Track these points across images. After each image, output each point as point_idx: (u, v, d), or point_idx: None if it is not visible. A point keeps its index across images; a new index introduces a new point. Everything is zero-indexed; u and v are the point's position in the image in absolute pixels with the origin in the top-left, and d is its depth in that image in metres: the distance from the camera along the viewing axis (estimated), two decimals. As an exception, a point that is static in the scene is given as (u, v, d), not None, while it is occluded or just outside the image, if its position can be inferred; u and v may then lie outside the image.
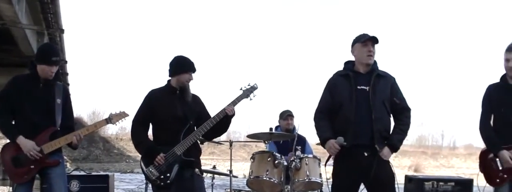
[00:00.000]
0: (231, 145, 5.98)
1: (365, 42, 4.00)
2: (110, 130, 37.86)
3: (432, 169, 33.23)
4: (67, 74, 14.82)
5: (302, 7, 59.03)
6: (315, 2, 60.00)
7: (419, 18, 60.45)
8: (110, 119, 4.20)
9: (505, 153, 4.11)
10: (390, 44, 59.04)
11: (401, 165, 34.16)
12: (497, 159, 4.19)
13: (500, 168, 4.17)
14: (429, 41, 60.85)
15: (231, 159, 5.69)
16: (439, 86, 61.59)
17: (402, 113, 4.09)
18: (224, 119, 4.29)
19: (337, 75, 4.16)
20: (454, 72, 59.72)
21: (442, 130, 45.19)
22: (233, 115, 4.32)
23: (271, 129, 5.19)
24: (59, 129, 4.02)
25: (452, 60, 59.22)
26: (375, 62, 4.10)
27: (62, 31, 10.08)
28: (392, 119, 4.11)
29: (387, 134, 4.01)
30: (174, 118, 4.22)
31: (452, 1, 60.00)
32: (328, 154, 4.09)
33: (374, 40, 4.01)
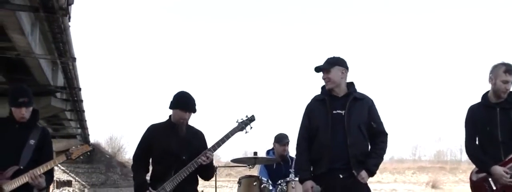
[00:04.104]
0: (215, 170, 6.06)
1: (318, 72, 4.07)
2: (127, 155, 38.17)
3: (450, 184, 32.77)
4: (81, 101, 15.06)
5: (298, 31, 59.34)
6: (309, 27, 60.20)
7: (436, 30, 60.25)
8: (70, 154, 4.03)
9: (498, 168, 4.01)
10: (404, 59, 58.92)
11: (419, 181, 33.76)
12: (490, 179, 4.08)
13: (494, 188, 4.05)
14: (448, 55, 60.57)
15: (216, 184, 5.61)
16: (456, 101, 60.97)
17: (379, 137, 4.04)
18: (203, 167, 4.21)
19: (314, 99, 4.17)
20: (470, 85, 59.13)
21: (461, 145, 44.48)
22: (212, 163, 4.24)
23: (255, 153, 5.17)
24: (22, 167, 3.87)
25: (470, 73, 58.73)
26: (352, 85, 4.10)
27: (74, 59, 10.30)
28: (369, 142, 4.06)
29: (364, 158, 3.96)
30: (168, 153, 4.21)
31: (458, 10, 59.75)
32: None
33: (317, 70, 4.06)
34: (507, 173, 3.99)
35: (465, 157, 42.44)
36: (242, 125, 4.28)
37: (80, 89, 13.60)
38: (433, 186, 30.66)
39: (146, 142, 4.35)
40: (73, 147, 4.13)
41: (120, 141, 38.28)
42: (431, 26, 59.05)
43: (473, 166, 4.39)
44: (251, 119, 4.32)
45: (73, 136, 23.68)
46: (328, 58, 4.09)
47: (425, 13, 59.52)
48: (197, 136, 4.38)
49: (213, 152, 4.20)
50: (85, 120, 19.59)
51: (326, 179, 3.91)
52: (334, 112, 3.98)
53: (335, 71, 4.01)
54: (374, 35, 59.42)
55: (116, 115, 61.16)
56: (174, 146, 4.20)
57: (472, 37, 59.56)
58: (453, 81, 61.30)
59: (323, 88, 4.19)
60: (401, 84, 59.55)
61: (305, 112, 4.17)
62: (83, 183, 30.20)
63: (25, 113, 3.91)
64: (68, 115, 16.98)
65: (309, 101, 4.22)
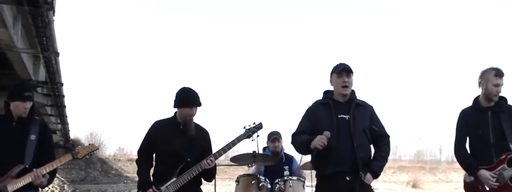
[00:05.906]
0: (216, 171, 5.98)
1: (340, 72, 4.06)
2: (108, 151, 37.85)
3: (430, 184, 33.08)
4: (63, 96, 14.88)
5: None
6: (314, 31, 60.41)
7: (414, 30, 60.84)
8: (76, 153, 4.11)
9: (484, 173, 4.15)
10: (384, 60, 59.41)
11: (400, 181, 34.04)
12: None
13: (487, 189, 4.17)
14: (427, 56, 61.20)
15: (215, 183, 5.53)
16: (436, 100, 61.74)
17: (382, 140, 4.16)
18: (206, 170, 4.17)
19: (317, 103, 4.20)
20: (451, 86, 59.92)
21: (440, 145, 45.29)
22: (215, 166, 4.22)
23: (254, 151, 5.19)
24: (27, 166, 3.91)
25: (450, 74, 59.46)
26: (353, 92, 4.17)
27: (57, 54, 10.17)
28: (372, 146, 4.16)
29: (368, 161, 4.05)
30: (172, 153, 4.16)
31: (444, 16, 60.44)
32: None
33: (348, 71, 4.07)
34: (493, 176, 4.12)
35: (444, 157, 43.23)
36: (249, 133, 4.30)
37: (62, 84, 13.44)
38: (414, 186, 30.94)
39: (150, 139, 4.31)
40: (79, 146, 4.14)
41: (100, 137, 37.89)
42: (408, 28, 59.59)
43: (453, 166, 4.50)
44: (259, 127, 4.33)
45: (53, 132, 23.39)
46: (348, 65, 4.10)
47: (406, 15, 60.03)
48: (203, 137, 4.35)
49: (218, 157, 4.18)
50: (66, 116, 19.36)
51: (333, 181, 3.95)
52: (339, 116, 4.03)
53: (352, 78, 4.11)
54: (351, 36, 59.70)
55: (97, 111, 60.61)
56: (179, 147, 4.17)
57: (452, 39, 60.31)
58: (433, 82, 62.00)
59: (325, 92, 4.24)
60: (381, 84, 60.02)
61: (306, 114, 4.19)
62: (63, 179, 29.80)
63: (28, 107, 3.95)
64: (48, 110, 16.76)
65: (310, 104, 4.23)
